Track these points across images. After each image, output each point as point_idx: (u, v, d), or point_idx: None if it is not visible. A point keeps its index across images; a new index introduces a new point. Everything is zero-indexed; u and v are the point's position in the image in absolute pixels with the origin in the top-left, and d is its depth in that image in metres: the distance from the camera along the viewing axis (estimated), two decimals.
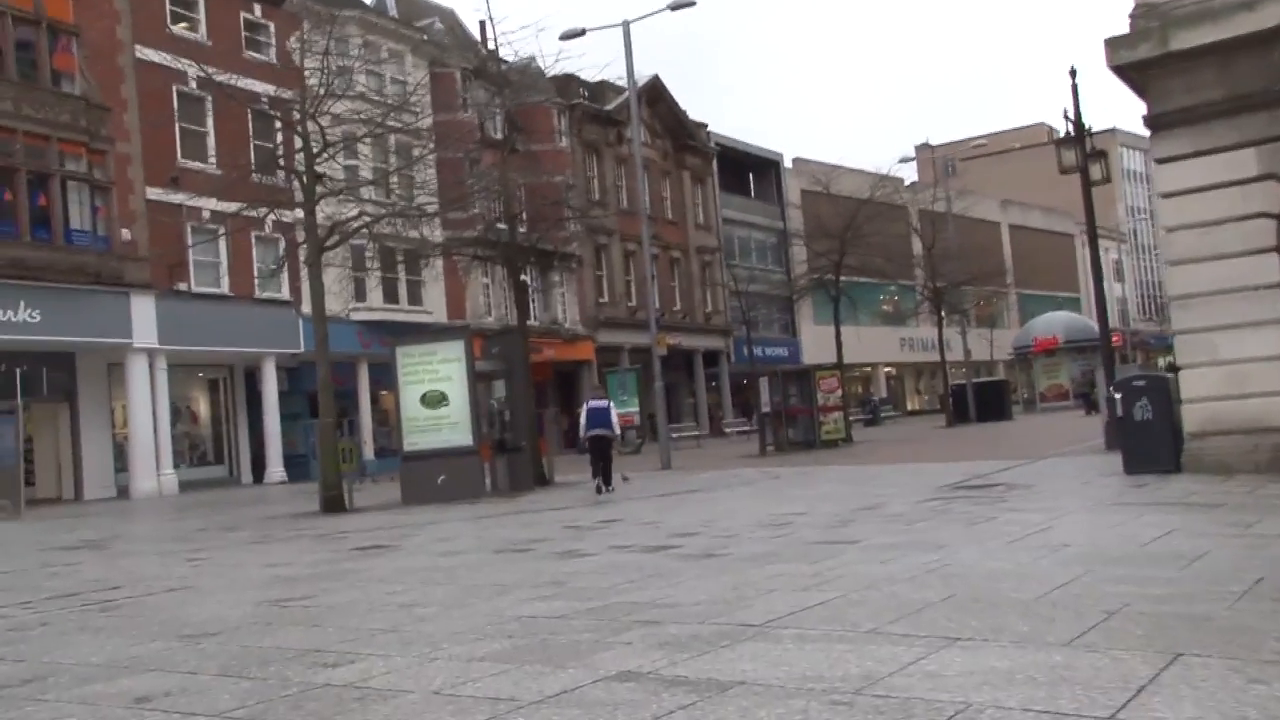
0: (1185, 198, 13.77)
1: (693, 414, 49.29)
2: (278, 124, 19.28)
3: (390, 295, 33.82)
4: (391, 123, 23.11)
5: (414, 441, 18.34)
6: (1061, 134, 20.89)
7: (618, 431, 19.28)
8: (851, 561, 7.79)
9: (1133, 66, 14.11)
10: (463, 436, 18.13)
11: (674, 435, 36.97)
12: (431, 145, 27.12)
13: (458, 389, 18.14)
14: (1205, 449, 13.58)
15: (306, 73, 19.54)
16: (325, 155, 17.62)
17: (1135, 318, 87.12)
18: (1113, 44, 14.14)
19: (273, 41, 30.57)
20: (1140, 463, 13.97)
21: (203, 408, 30.57)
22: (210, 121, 28.25)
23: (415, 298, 34.75)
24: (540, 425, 22.35)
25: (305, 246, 18.13)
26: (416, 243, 26.07)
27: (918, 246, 50.93)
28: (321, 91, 18.21)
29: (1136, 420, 14.14)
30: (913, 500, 12.71)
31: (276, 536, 13.19)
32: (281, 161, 20.03)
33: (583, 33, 26.57)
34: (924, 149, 72.76)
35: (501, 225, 24.24)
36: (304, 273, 29.23)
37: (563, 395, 44.17)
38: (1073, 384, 50.72)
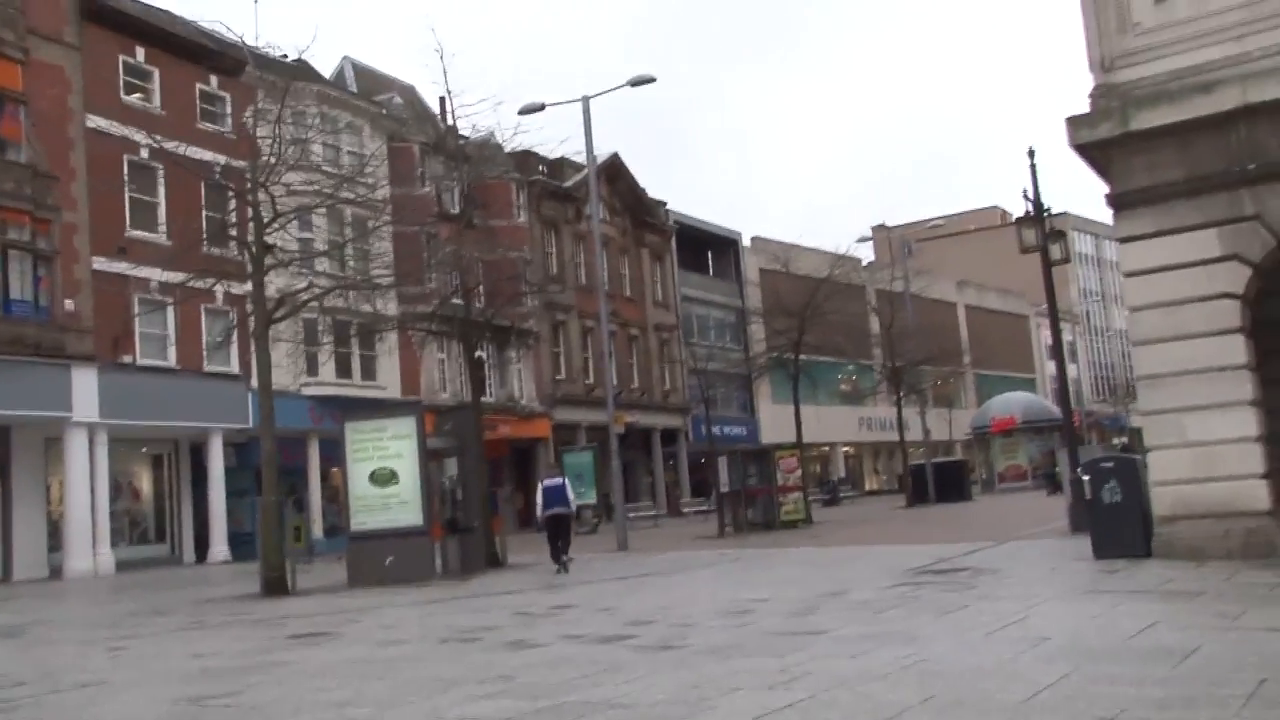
0: (1149, 277, 13.58)
1: (650, 493, 48.65)
2: (230, 194, 18.76)
3: (343, 370, 33.17)
4: (345, 194, 22.67)
5: (362, 521, 17.67)
6: (1018, 215, 20.84)
7: (573, 508, 19.20)
8: (820, 655, 7.29)
9: (1094, 145, 14.00)
10: (412, 516, 17.47)
11: (631, 515, 36.35)
12: (387, 216, 26.73)
13: (408, 466, 17.54)
14: (1176, 533, 13.22)
15: (259, 142, 19.20)
16: (276, 226, 17.16)
17: (1089, 398, 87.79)
18: (1074, 123, 14.04)
19: (228, 112, 30.20)
20: (1110, 547, 13.59)
21: (145, 484, 29.59)
22: (162, 191, 27.71)
23: (369, 372, 34.11)
24: (494, 504, 21.74)
25: (254, 318, 17.56)
26: (370, 317, 25.54)
27: (875, 326, 51.08)
28: (273, 160, 17.85)
29: (1105, 503, 13.80)
30: (879, 586, 12.25)
31: (210, 622, 12.47)
32: (233, 231, 19.50)
33: (542, 107, 26.46)
34: (880, 229, 73.41)
35: (458, 300, 23.82)
36: (254, 346, 28.77)
37: (519, 473, 43.44)
38: (1031, 464, 50.58)
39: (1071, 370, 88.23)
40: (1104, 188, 14.26)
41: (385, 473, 17.50)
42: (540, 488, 18.75)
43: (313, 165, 23.08)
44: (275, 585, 15.97)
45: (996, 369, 74.63)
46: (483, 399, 39.99)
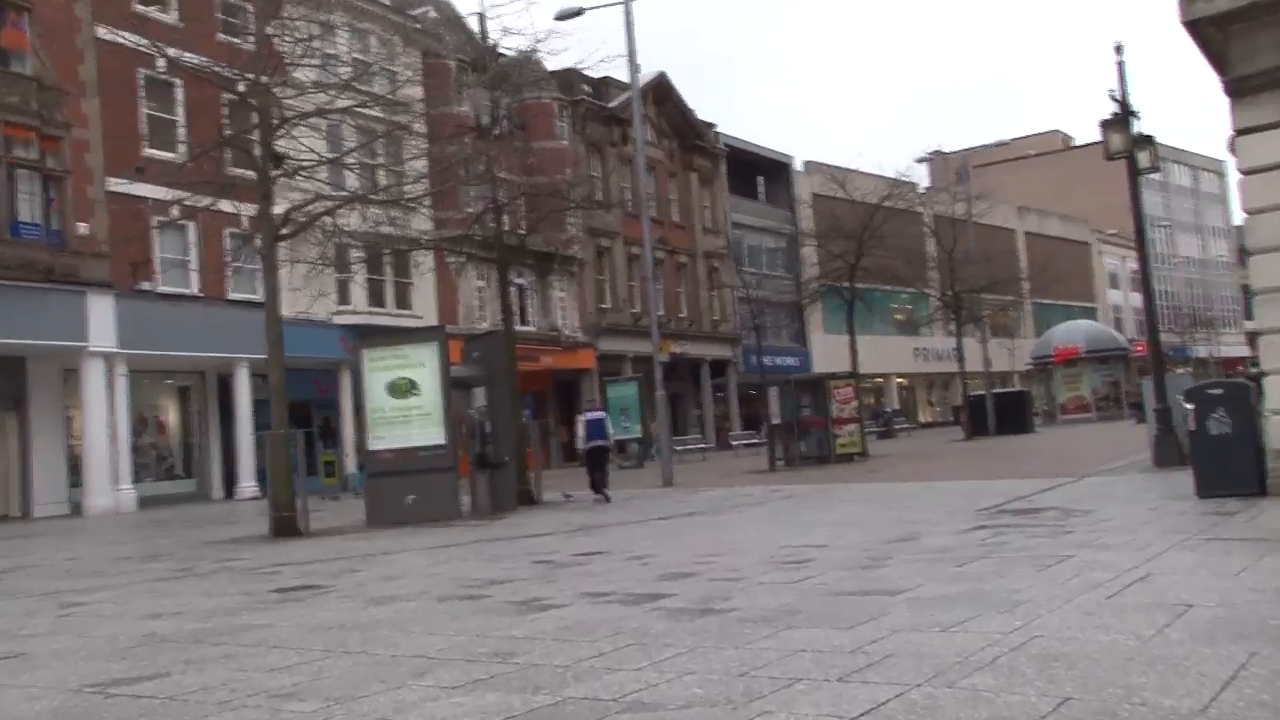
0: (1274, 174, 11.72)
1: (698, 426, 47.17)
2: (238, 97, 17.14)
3: (376, 298, 31.84)
4: (361, 94, 20.84)
5: (380, 437, 16.28)
6: (1103, 118, 18.77)
7: (611, 442, 20.18)
8: (900, 627, 5.73)
9: (1211, 21, 12.05)
10: (435, 433, 16.06)
11: (678, 449, 34.94)
12: (419, 127, 25.04)
13: (429, 379, 16.14)
14: None
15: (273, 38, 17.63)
16: (284, 131, 15.64)
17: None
18: None
19: (250, 27, 28.56)
20: (1216, 484, 11.91)
21: (171, 417, 28.54)
22: (181, 110, 26.26)
23: (403, 300, 32.75)
24: (530, 437, 20.38)
25: (260, 234, 16.09)
26: (394, 240, 24.02)
27: (932, 251, 48.93)
28: (287, 52, 16.28)
29: (1212, 434, 12.06)
30: (954, 529, 10.67)
31: (198, 570, 11.14)
32: (248, 141, 17.83)
33: (580, 12, 24.69)
34: (935, 155, 70.67)
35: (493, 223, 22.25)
36: (281, 271, 27.42)
37: (562, 405, 42.14)
38: (1094, 395, 48.57)
39: (1135, 299, 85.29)
40: (1190, 91, 12.35)
41: (404, 383, 16.09)
42: (583, 421, 19.71)
43: (326, 59, 21.19)
44: (285, 526, 14.67)
45: (1057, 298, 71.99)
46: (524, 328, 38.68)
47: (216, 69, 16.61)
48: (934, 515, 12.41)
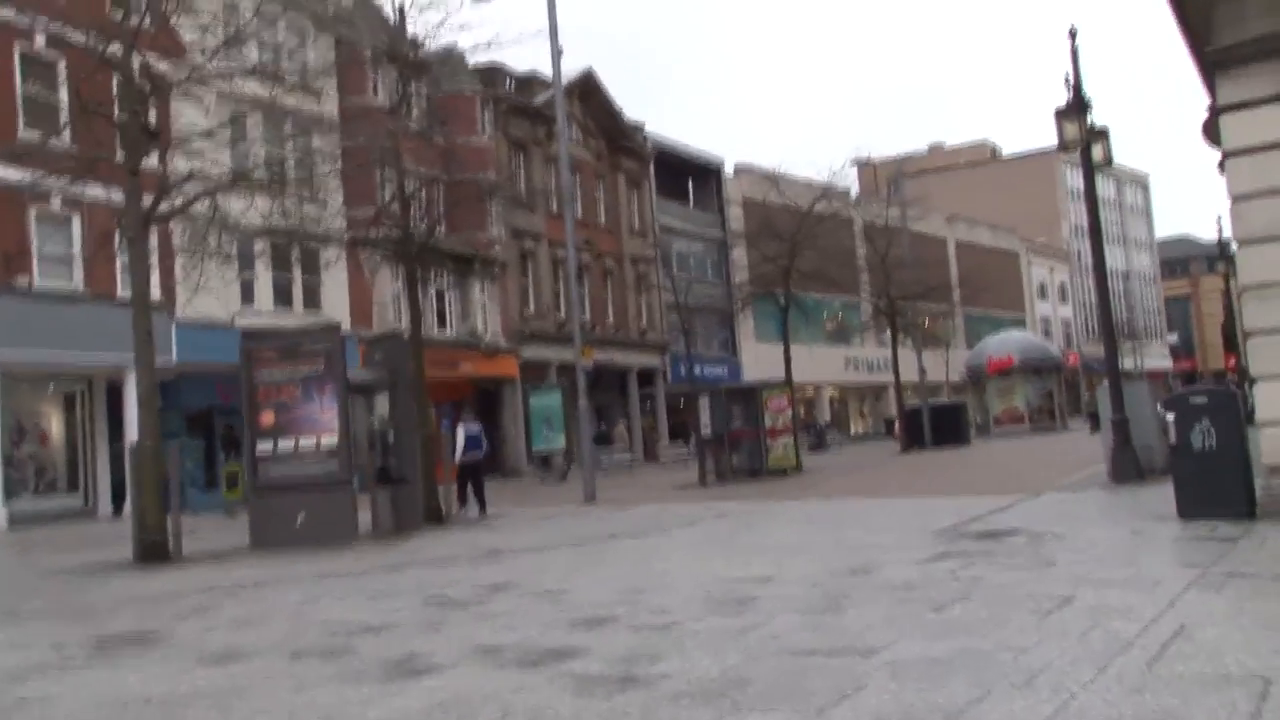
0: (1263, 156, 10.50)
1: (626, 437, 45.60)
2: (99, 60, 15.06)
3: (283, 298, 29.83)
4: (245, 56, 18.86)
5: (265, 450, 14.51)
6: (1057, 106, 17.59)
7: (483, 454, 19.55)
8: (887, 715, 4.23)
9: None
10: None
11: (604, 461, 33.39)
12: (323, 111, 23.21)
13: None
14: None
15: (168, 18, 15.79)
16: (154, 99, 13.81)
17: (1079, 340, 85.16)
18: None
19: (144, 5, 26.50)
20: (1201, 504, 10.62)
21: (55, 426, 26.27)
22: (64, 90, 24.08)
23: (312, 301, 30.76)
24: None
25: (125, 216, 14.19)
26: (293, 233, 22.15)
27: (864, 260, 48.00)
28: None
29: (1195, 449, 10.78)
30: (914, 556, 9.26)
31: (22, 610, 9.30)
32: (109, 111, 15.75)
33: None
34: (865, 164, 70.04)
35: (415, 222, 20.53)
36: (179, 269, 25.37)
37: (484, 415, 40.32)
38: (1028, 407, 47.91)
39: (1063, 311, 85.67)
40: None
41: None
42: (461, 432, 18.76)
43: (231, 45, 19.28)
44: (152, 551, 12.81)
45: (986, 308, 71.69)
46: (443, 334, 36.86)
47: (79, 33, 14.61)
48: (886, 538, 11.01)
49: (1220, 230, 46.70)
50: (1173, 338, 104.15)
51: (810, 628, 6.21)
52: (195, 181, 14.51)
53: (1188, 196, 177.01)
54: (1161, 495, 13.44)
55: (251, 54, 26.01)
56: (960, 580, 7.68)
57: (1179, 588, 6.71)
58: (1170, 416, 10.99)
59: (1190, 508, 10.71)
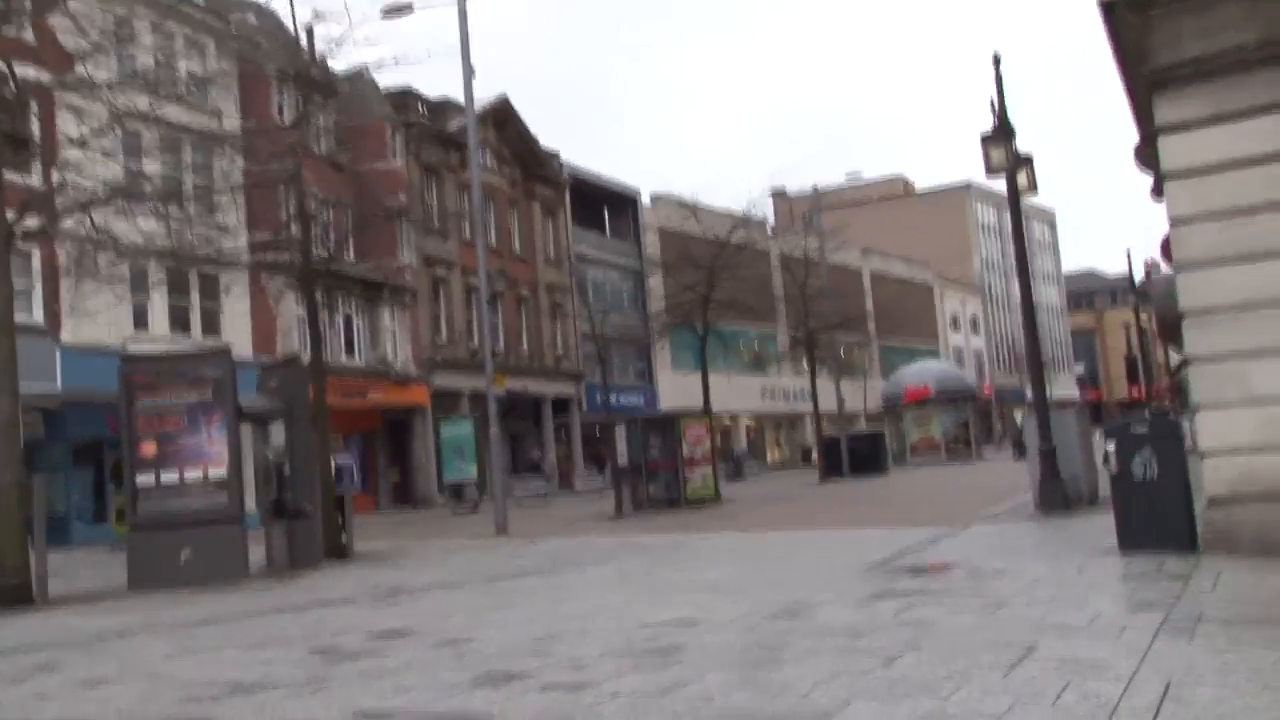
0: (1203, 179, 10.08)
1: (539, 467, 44.60)
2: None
3: (179, 324, 28.44)
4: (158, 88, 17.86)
5: (146, 483, 13.41)
6: (983, 132, 17.25)
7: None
8: None
9: (1129, 4, 10.41)
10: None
11: (517, 492, 32.41)
12: (224, 135, 22.11)
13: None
14: (1237, 519, 9.77)
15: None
16: (16, 107, 12.69)
17: (991, 371, 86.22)
18: None
19: (26, 10, 25.10)
20: (1142, 537, 10.13)
21: None
22: None
23: (212, 327, 29.40)
24: (343, 479, 17.70)
25: None
26: (183, 256, 20.98)
27: (780, 290, 47.82)
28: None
29: (1137, 479, 10.28)
30: (850, 595, 8.59)
31: None
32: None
33: (409, 8, 22.18)
34: (780, 196, 70.15)
35: (321, 250, 19.49)
36: (66, 294, 23.95)
37: (393, 445, 39.10)
38: (944, 437, 47.97)
39: (975, 342, 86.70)
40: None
41: None
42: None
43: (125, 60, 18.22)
44: (12, 595, 11.59)
45: (901, 339, 72.19)
46: (351, 362, 35.61)
47: None
48: (816, 576, 10.33)
49: (1130, 263, 47.45)
50: (1079, 368, 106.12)
51: (747, 685, 5.44)
52: (65, 196, 13.38)
53: (1091, 231, 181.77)
54: (1094, 526, 13.05)
55: (144, 65, 24.86)
56: (906, 625, 6.98)
57: (1147, 636, 6.07)
58: (1111, 446, 10.49)
59: (1131, 540, 10.21)
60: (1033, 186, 17.87)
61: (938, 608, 7.69)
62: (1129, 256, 55.62)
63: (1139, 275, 47.75)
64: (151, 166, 20.77)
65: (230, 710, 5.61)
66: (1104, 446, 10.61)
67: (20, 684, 6.82)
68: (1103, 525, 12.35)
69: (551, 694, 5.53)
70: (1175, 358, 60.51)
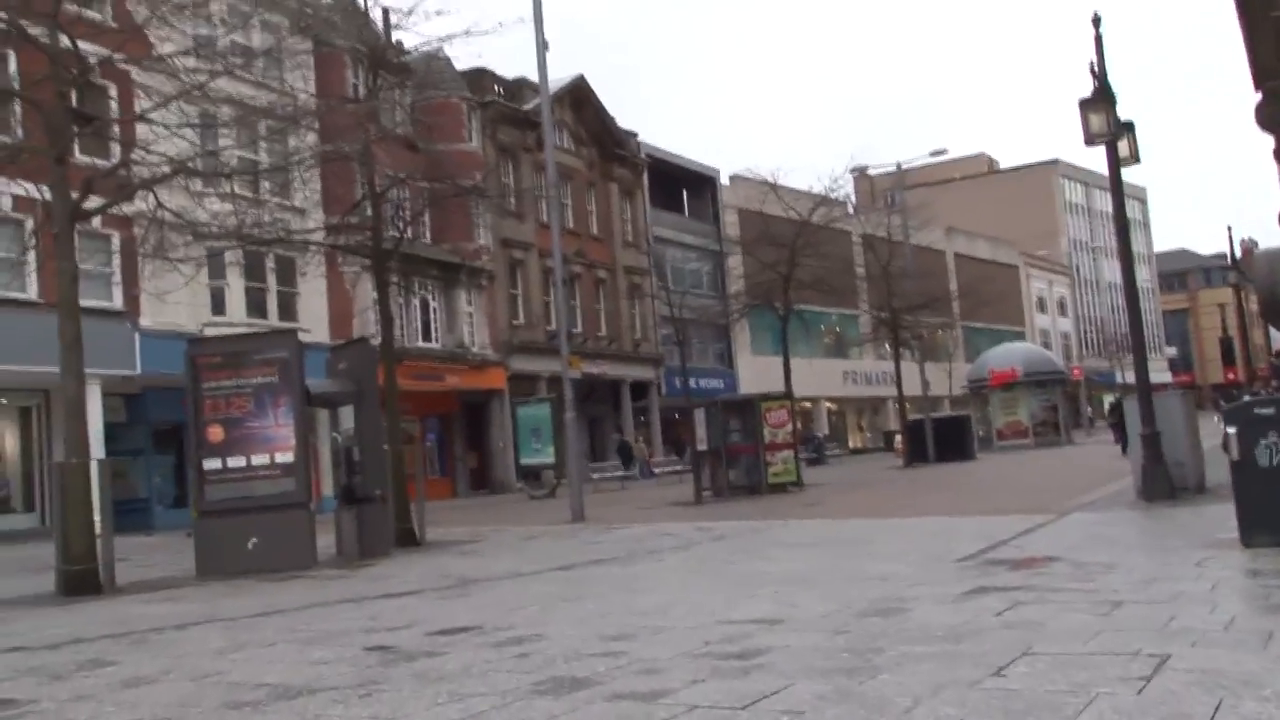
0: None
1: (645, 451, 44.18)
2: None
3: (256, 308, 28.45)
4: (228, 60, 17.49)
5: (213, 468, 13.13)
6: (1082, 97, 16.28)
7: None
8: None
9: None
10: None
11: (595, 476, 32.02)
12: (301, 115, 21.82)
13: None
14: None
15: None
16: (82, 81, 12.43)
17: (1078, 354, 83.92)
18: None
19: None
20: (1268, 529, 9.29)
21: (9, 443, 24.86)
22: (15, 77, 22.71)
23: (288, 311, 29.40)
24: (421, 465, 17.37)
25: (53, 210, 12.72)
26: (255, 238, 20.77)
27: (862, 271, 46.70)
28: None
29: (1263, 467, 9.43)
30: (944, 591, 7.91)
31: None
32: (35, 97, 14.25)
33: None
34: (861, 175, 68.84)
35: (394, 233, 19.18)
36: (144, 278, 23.97)
37: (471, 429, 38.96)
38: (1032, 420, 46.56)
39: (1062, 324, 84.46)
40: None
41: None
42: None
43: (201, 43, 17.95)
44: (79, 583, 11.37)
45: (985, 321, 70.46)
46: (428, 345, 35.46)
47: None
48: (906, 568, 9.64)
49: (1231, 239, 45.53)
50: (1171, 351, 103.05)
51: (840, 697, 4.82)
52: (131, 172, 13.10)
53: (1184, 211, 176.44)
54: (1204, 516, 12.19)
55: (214, 38, 24.74)
56: (1013, 627, 6.30)
57: None
58: (1232, 430, 9.65)
59: (1255, 533, 9.37)
60: (1134, 156, 16.87)
61: (1045, 606, 6.98)
62: (1230, 232, 53.12)
63: (1237, 253, 45.79)
64: (224, 142, 20.61)
65: (279, 714, 5.14)
66: (1223, 429, 9.77)
67: (62, 681, 6.43)
68: (1215, 516, 11.52)
69: (619, 705, 4.96)
70: (1278, 339, 58.20)
